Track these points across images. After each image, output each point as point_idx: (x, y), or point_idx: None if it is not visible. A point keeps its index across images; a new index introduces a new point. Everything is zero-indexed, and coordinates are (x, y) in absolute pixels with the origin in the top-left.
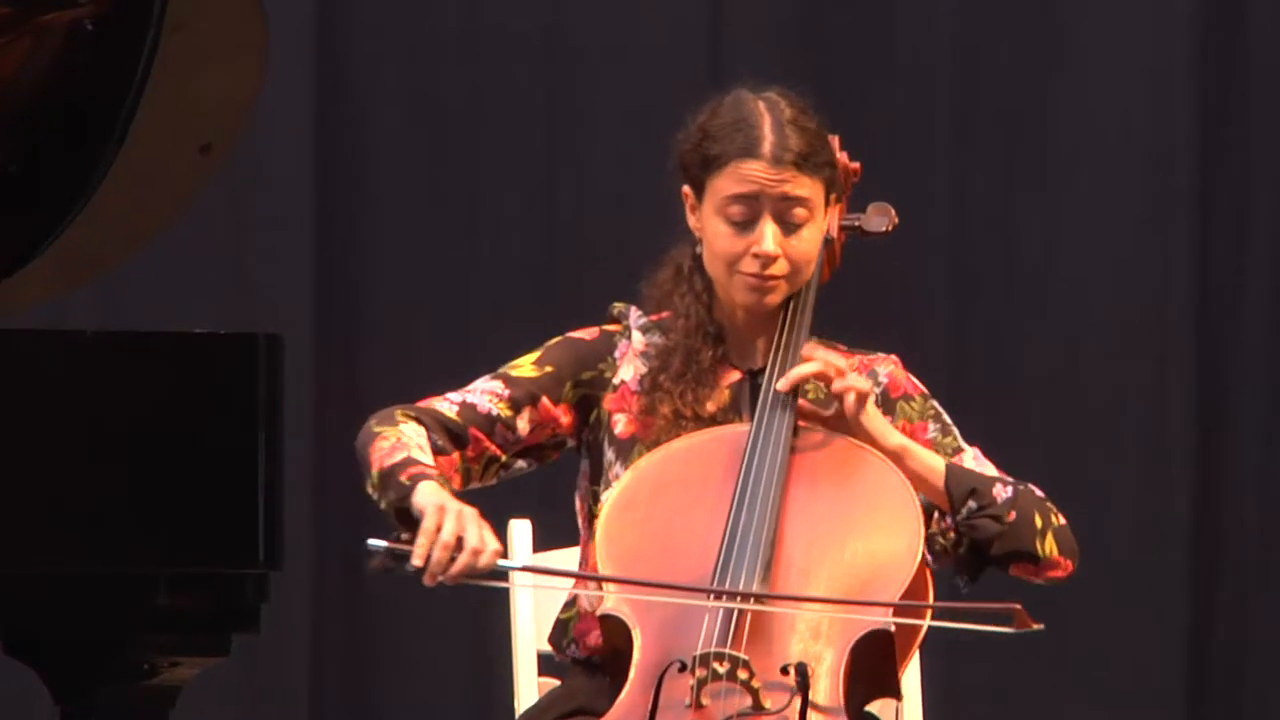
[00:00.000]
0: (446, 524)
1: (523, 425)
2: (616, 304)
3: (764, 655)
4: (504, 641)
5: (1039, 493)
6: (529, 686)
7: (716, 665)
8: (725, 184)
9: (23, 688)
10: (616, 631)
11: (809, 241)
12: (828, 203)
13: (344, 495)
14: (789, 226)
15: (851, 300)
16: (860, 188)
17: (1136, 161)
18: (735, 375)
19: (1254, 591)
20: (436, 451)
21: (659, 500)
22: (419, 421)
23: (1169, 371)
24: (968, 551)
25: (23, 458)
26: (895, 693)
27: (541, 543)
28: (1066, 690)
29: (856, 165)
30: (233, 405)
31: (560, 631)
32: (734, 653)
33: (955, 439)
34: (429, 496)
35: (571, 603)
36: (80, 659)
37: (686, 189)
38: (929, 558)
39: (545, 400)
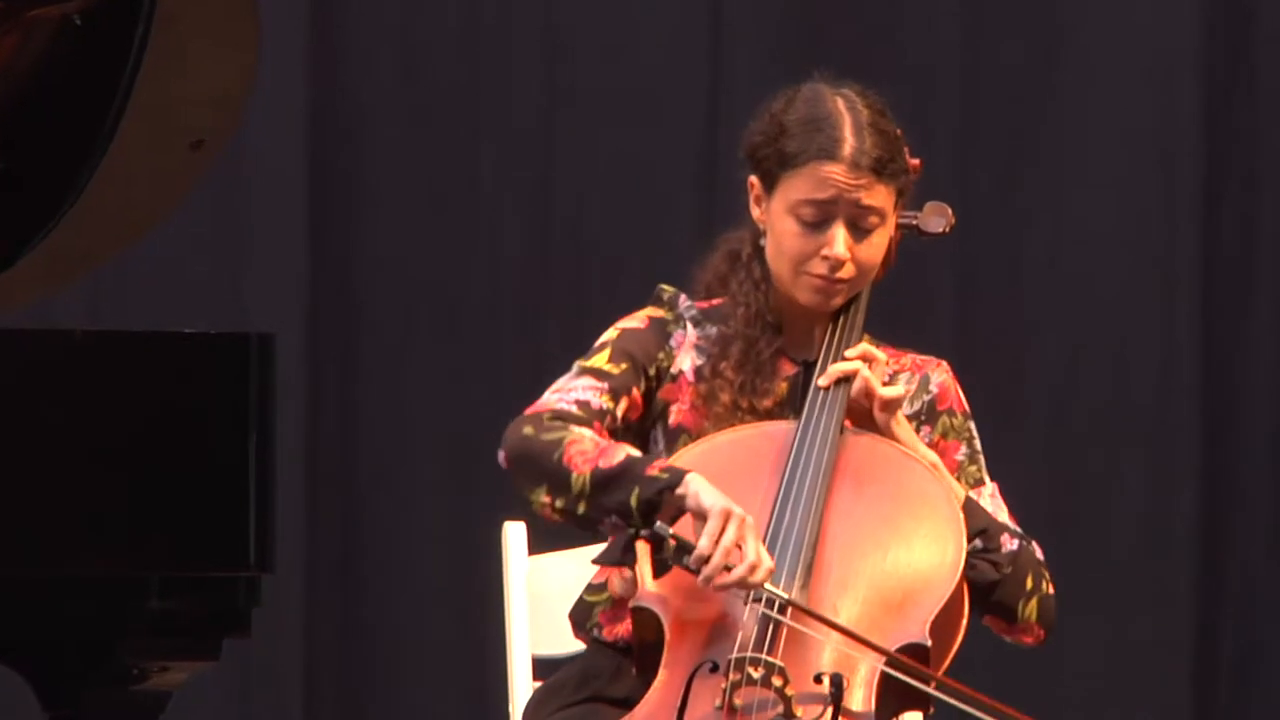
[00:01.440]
0: (730, 530)
1: (620, 415)
2: (665, 287)
3: (799, 663)
4: (498, 646)
5: (1039, 554)
6: (524, 691)
7: (751, 670)
8: (800, 184)
9: (10, 693)
10: (648, 624)
11: (878, 247)
12: (896, 206)
13: (337, 497)
14: (860, 232)
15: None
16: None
17: (1141, 160)
18: (791, 369)
19: (1263, 592)
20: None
21: None
22: (570, 420)
23: (1174, 369)
24: None
25: (9, 459)
26: (925, 704)
27: (536, 545)
28: (1070, 693)
29: (917, 162)
30: (224, 406)
31: (583, 612)
32: (770, 659)
33: (980, 469)
34: (713, 497)
35: (601, 586)
36: (68, 663)
37: (754, 179)
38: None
39: (635, 390)
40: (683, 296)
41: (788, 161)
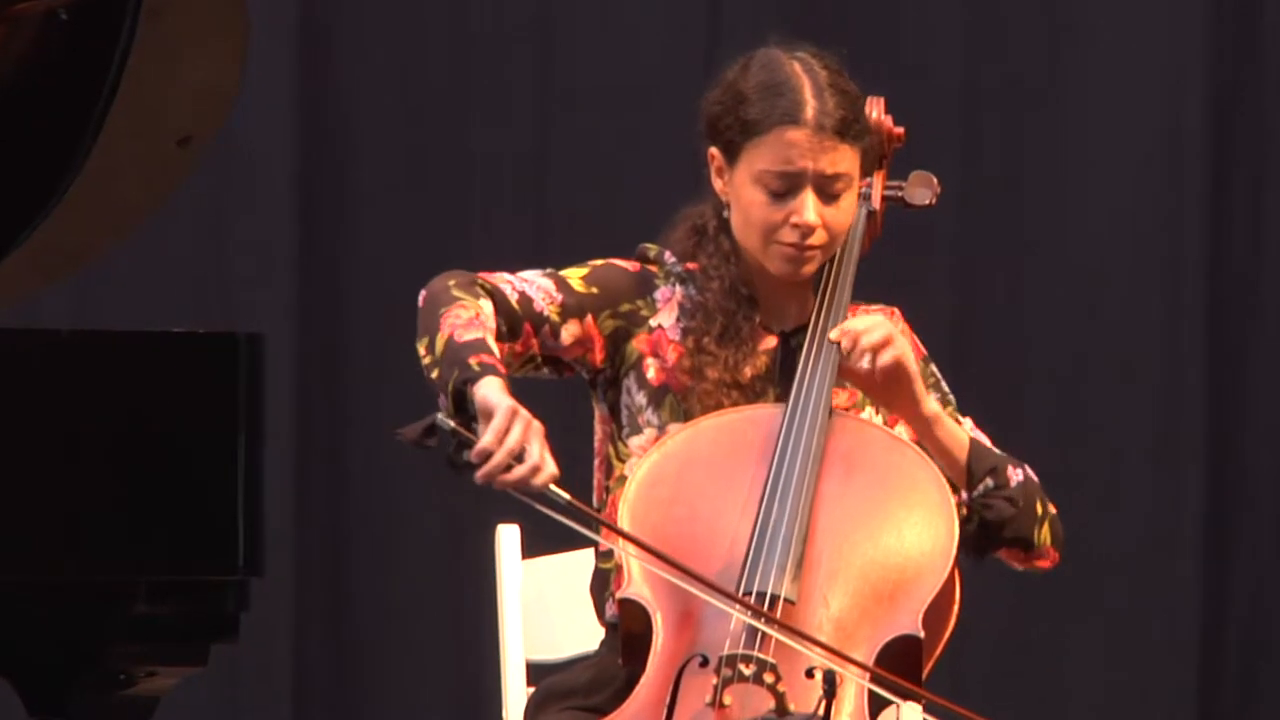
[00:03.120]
0: (514, 430)
1: (565, 335)
2: (649, 245)
3: (791, 658)
4: (492, 651)
5: (1035, 478)
6: (518, 697)
7: (743, 667)
8: (765, 153)
9: None
10: (637, 617)
11: (846, 211)
12: (864, 169)
13: (327, 499)
14: (828, 197)
15: (860, 292)
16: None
17: (1147, 160)
18: (771, 340)
19: (1269, 594)
20: (498, 337)
21: (687, 481)
22: (493, 300)
23: (1180, 369)
24: (977, 529)
25: None
26: (919, 697)
27: (530, 549)
28: (1074, 691)
29: (900, 130)
30: (212, 407)
31: (601, 582)
32: (762, 656)
33: (954, 408)
34: (500, 396)
35: (608, 553)
36: (54, 669)
37: (714, 151)
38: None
39: (590, 318)
40: (668, 253)
41: (750, 129)
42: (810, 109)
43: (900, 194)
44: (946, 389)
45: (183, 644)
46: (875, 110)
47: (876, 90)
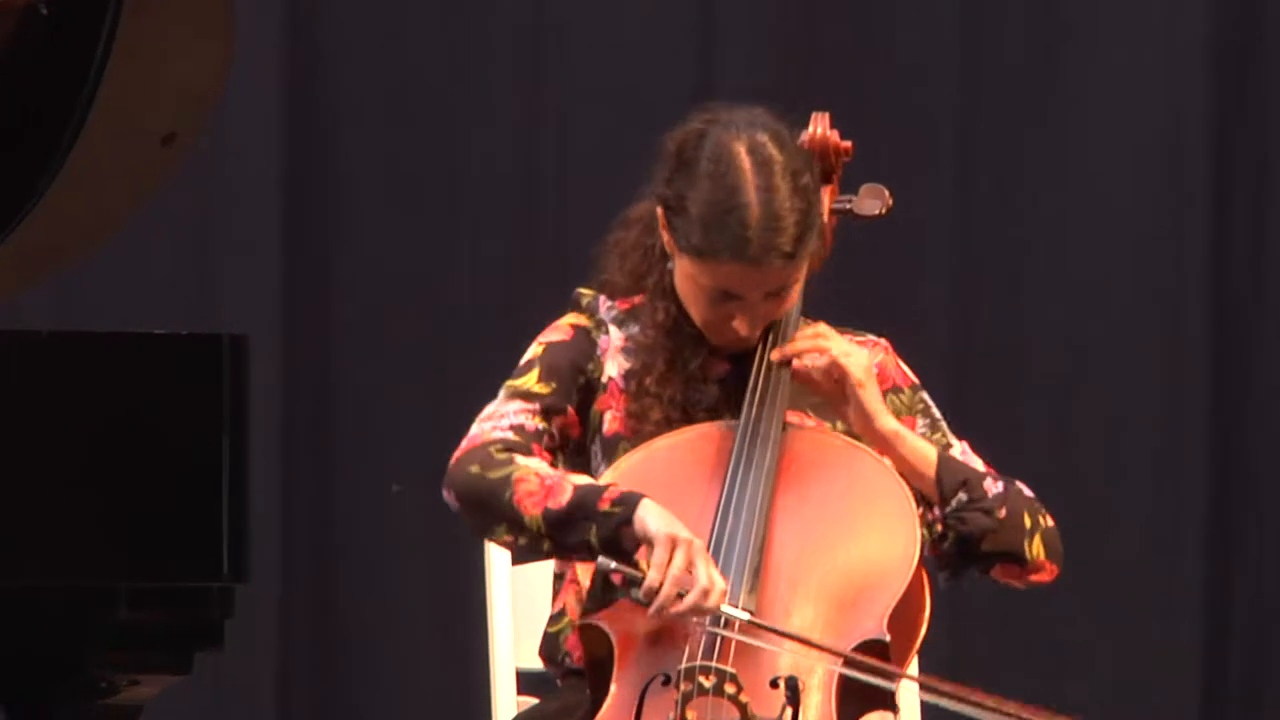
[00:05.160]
0: (678, 557)
1: (556, 433)
2: (583, 291)
3: (752, 668)
4: (481, 659)
5: (1028, 492)
6: (507, 706)
7: (702, 679)
8: (707, 272)
9: None
10: (597, 641)
11: (791, 299)
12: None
13: (313, 504)
14: (773, 298)
15: (859, 292)
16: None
17: (1148, 154)
18: (723, 367)
19: (1273, 595)
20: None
21: None
22: (523, 452)
23: (1183, 368)
24: (954, 546)
25: None
26: (891, 705)
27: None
28: (1075, 695)
29: (848, 145)
30: (196, 410)
31: (551, 645)
32: (721, 666)
33: (945, 434)
34: (660, 523)
35: (559, 615)
36: (35, 677)
37: (661, 211)
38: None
39: (569, 408)
40: (602, 299)
41: (692, 249)
42: (756, 246)
43: (849, 206)
44: (937, 415)
45: (166, 651)
46: (820, 126)
47: (873, 91)
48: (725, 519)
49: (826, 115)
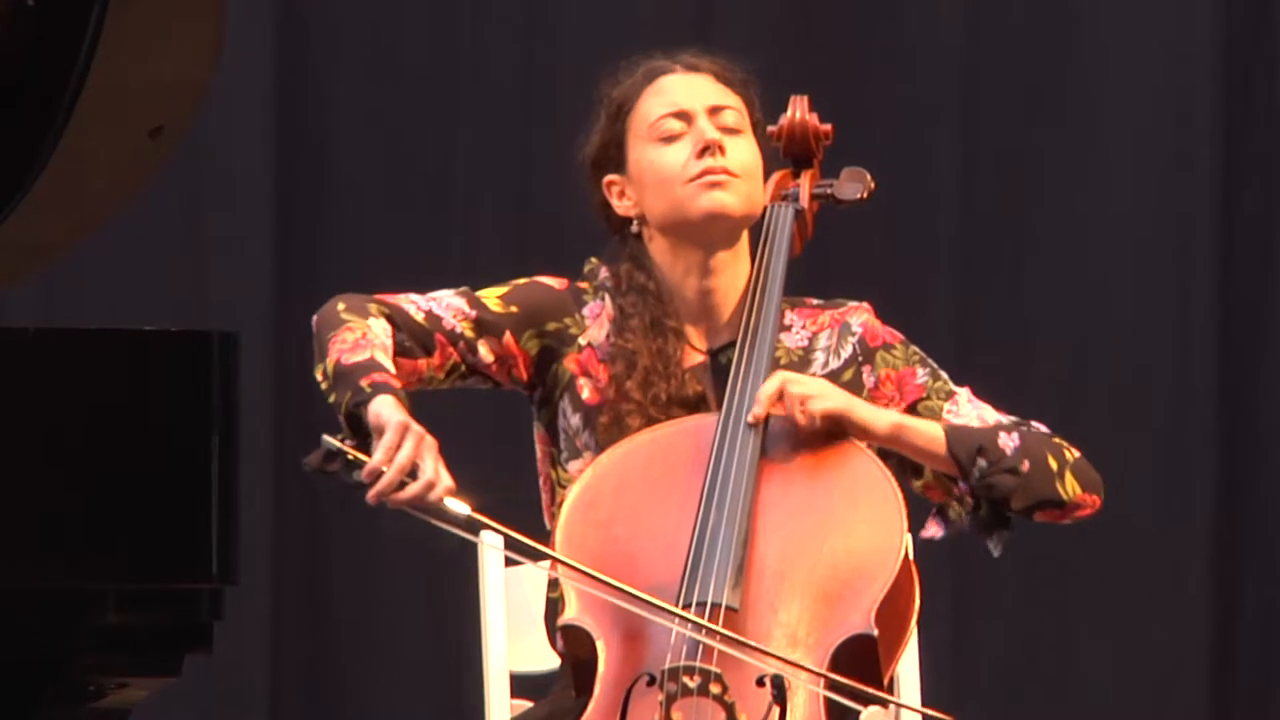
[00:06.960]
0: (405, 446)
1: (484, 352)
2: (595, 259)
3: (737, 667)
4: (475, 661)
5: (1044, 429)
6: (501, 710)
7: (686, 680)
8: (648, 108)
9: None
10: (580, 642)
11: (747, 153)
12: (755, 129)
13: (305, 504)
14: (723, 130)
15: (856, 286)
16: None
17: (1156, 149)
18: (698, 358)
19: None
20: (402, 353)
21: (623, 499)
22: (390, 320)
23: (1190, 367)
24: (989, 512)
25: None
26: (882, 700)
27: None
28: (1080, 694)
29: (827, 127)
30: (185, 408)
31: (553, 612)
32: (705, 666)
33: (946, 381)
34: (391, 412)
35: (556, 582)
36: (20, 680)
37: (610, 177)
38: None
39: (510, 336)
40: (605, 270)
41: (628, 103)
42: (680, 62)
43: (829, 190)
44: (934, 364)
45: (155, 655)
46: (799, 110)
47: (880, 83)
48: (709, 513)
49: (805, 98)
